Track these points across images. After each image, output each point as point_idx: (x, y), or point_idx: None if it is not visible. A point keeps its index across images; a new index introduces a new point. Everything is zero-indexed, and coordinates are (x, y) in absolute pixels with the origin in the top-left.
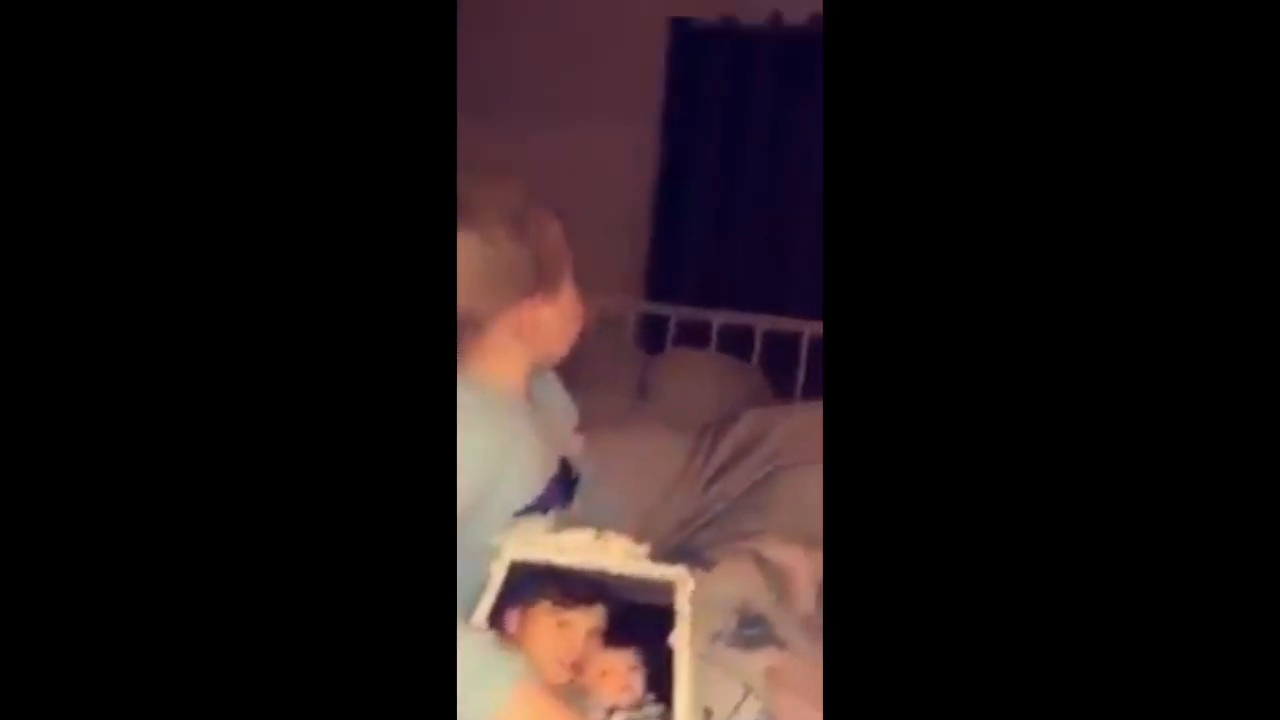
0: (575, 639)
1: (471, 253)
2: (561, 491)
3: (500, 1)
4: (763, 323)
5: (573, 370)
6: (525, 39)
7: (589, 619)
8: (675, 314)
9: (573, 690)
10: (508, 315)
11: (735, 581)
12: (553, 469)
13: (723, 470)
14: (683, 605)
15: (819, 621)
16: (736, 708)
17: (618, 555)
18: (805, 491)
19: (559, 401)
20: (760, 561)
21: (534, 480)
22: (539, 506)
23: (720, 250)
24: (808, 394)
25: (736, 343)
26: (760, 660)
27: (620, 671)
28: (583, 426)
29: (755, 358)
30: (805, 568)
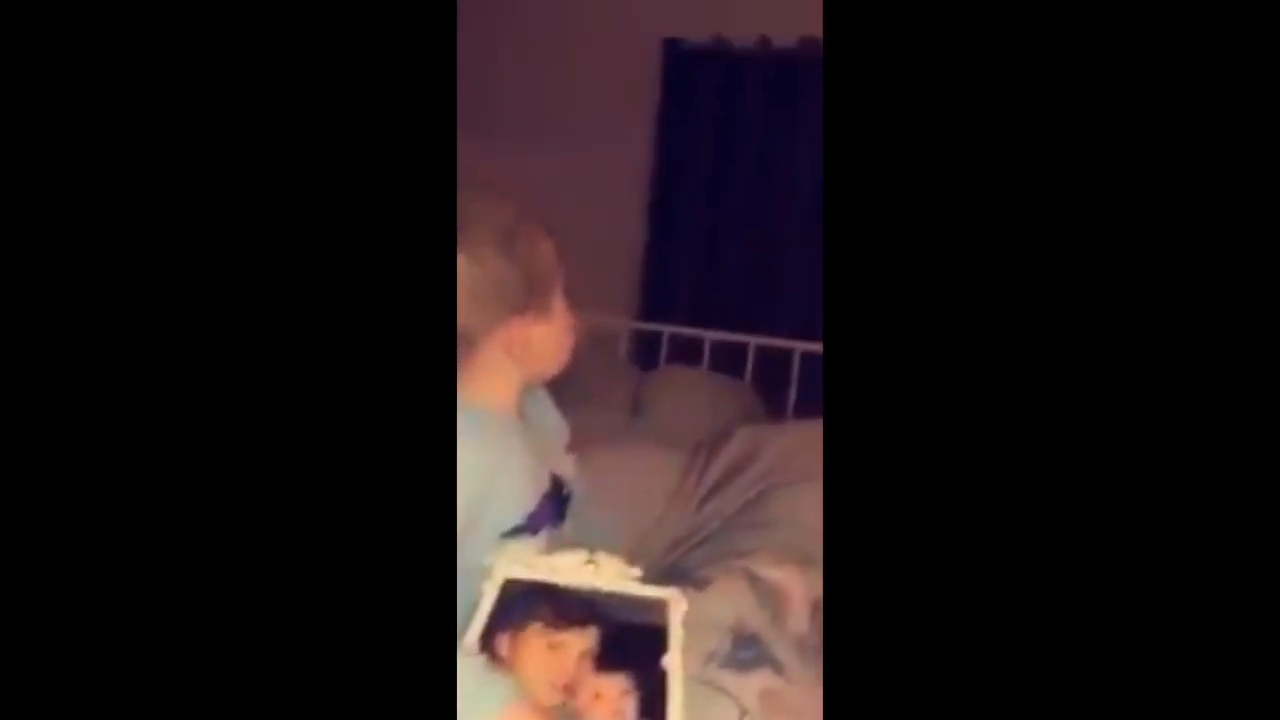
0: (567, 661)
1: (462, 271)
2: (553, 510)
3: (497, 21)
4: (755, 340)
5: (565, 387)
6: (519, 58)
7: (581, 641)
8: (668, 331)
9: (565, 714)
10: (499, 333)
11: (729, 601)
12: (544, 487)
13: (716, 488)
14: (675, 627)
15: (814, 642)
16: None
17: (610, 577)
18: (799, 510)
19: (551, 419)
20: (754, 581)
21: (525, 498)
22: (529, 526)
23: (712, 268)
24: (800, 412)
25: (729, 360)
26: (755, 682)
27: (613, 695)
28: (575, 444)
29: (748, 375)
30: (800, 587)
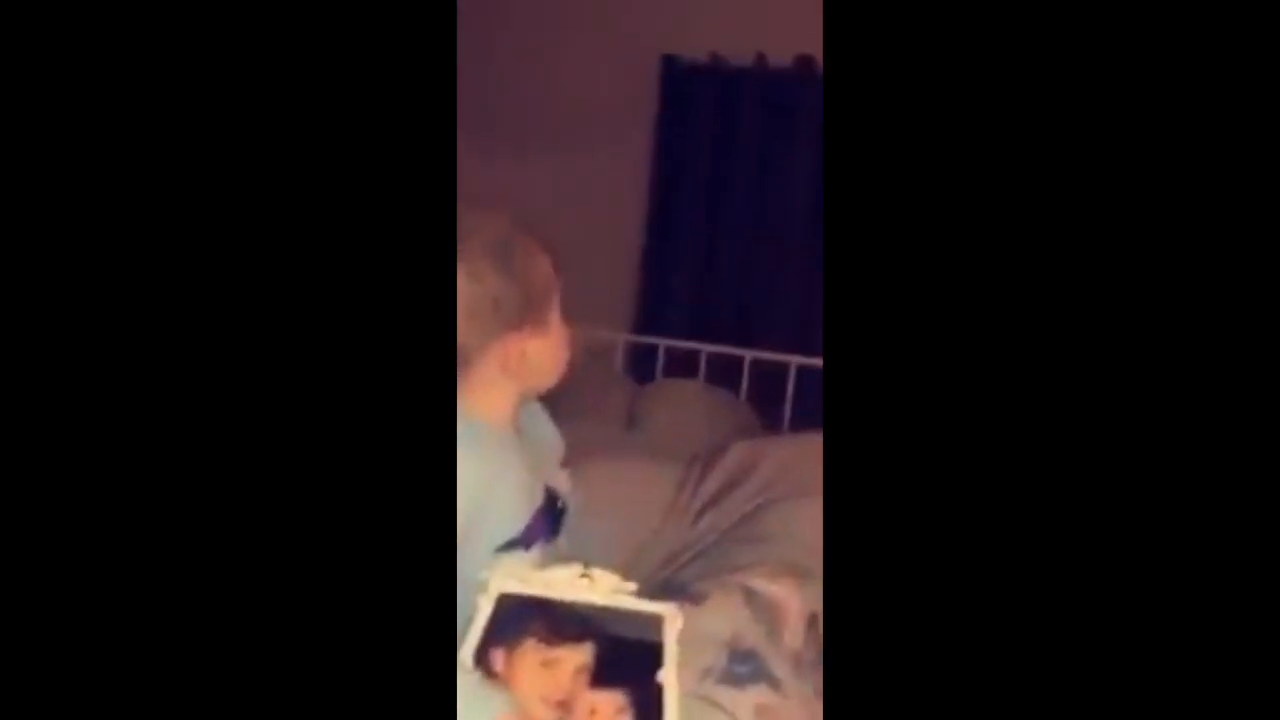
0: (562, 678)
1: (459, 286)
2: (548, 524)
3: (496, 35)
4: (751, 354)
5: (560, 400)
6: (518, 74)
7: (576, 657)
8: (664, 344)
9: None
10: (495, 348)
11: (725, 616)
12: (539, 501)
13: (712, 502)
14: (671, 642)
15: (810, 657)
16: None
17: (605, 591)
18: (796, 524)
19: (546, 433)
20: (750, 595)
21: (520, 512)
22: (524, 540)
23: (708, 282)
24: (796, 425)
25: (725, 374)
26: (751, 697)
27: (608, 712)
28: (571, 457)
29: (744, 389)
30: (796, 602)
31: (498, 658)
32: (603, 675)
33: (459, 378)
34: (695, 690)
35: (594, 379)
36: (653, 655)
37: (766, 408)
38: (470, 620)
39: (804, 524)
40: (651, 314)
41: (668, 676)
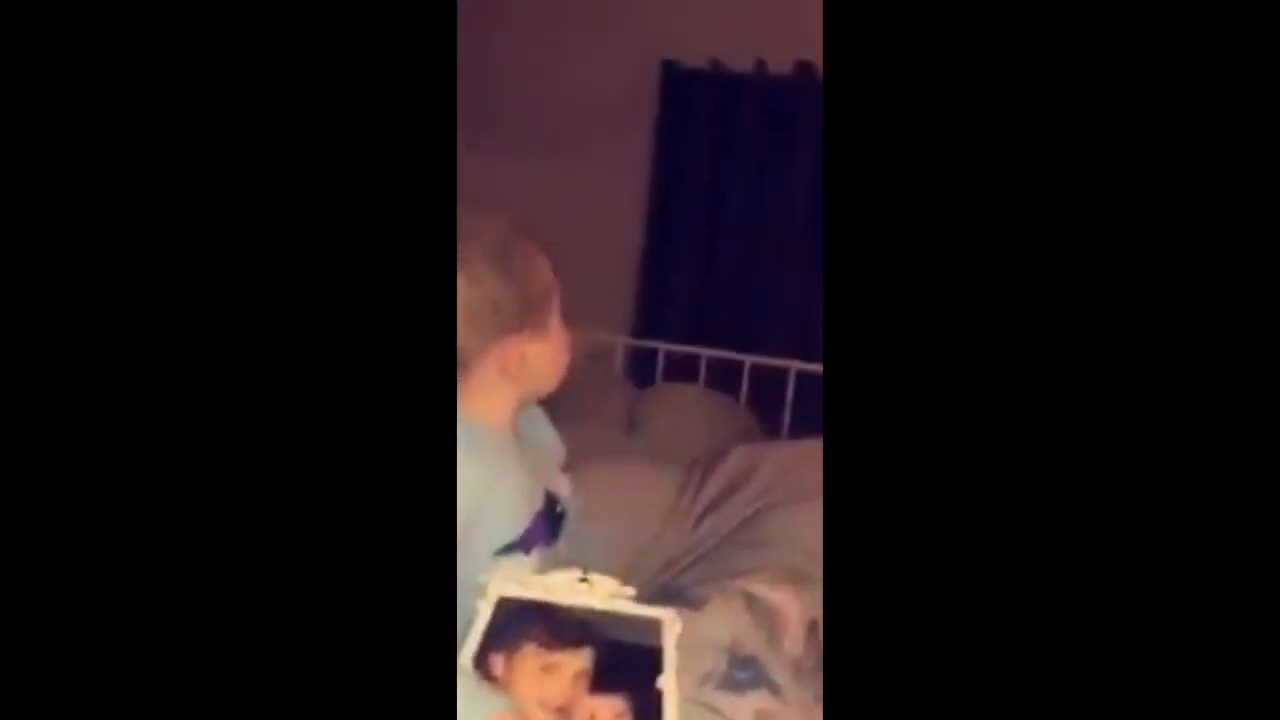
0: (562, 683)
1: (459, 289)
2: (547, 528)
3: (495, 39)
4: (751, 358)
5: (560, 404)
6: (518, 78)
7: (576, 662)
8: (664, 348)
9: None
10: (494, 351)
11: (725, 621)
12: (538, 505)
13: (712, 507)
14: (670, 648)
15: (810, 663)
16: None
17: (604, 596)
18: (796, 529)
19: (546, 437)
20: (750, 601)
21: (519, 516)
22: (522, 544)
23: (708, 286)
24: (795, 431)
25: (725, 378)
26: (751, 703)
27: (608, 717)
28: (570, 461)
29: (743, 393)
30: (795, 607)
31: (497, 662)
32: (602, 680)
33: (459, 381)
34: (695, 696)
35: (594, 382)
36: (652, 660)
37: (766, 412)
38: (470, 624)
39: (804, 529)
40: (651, 318)
41: (667, 682)
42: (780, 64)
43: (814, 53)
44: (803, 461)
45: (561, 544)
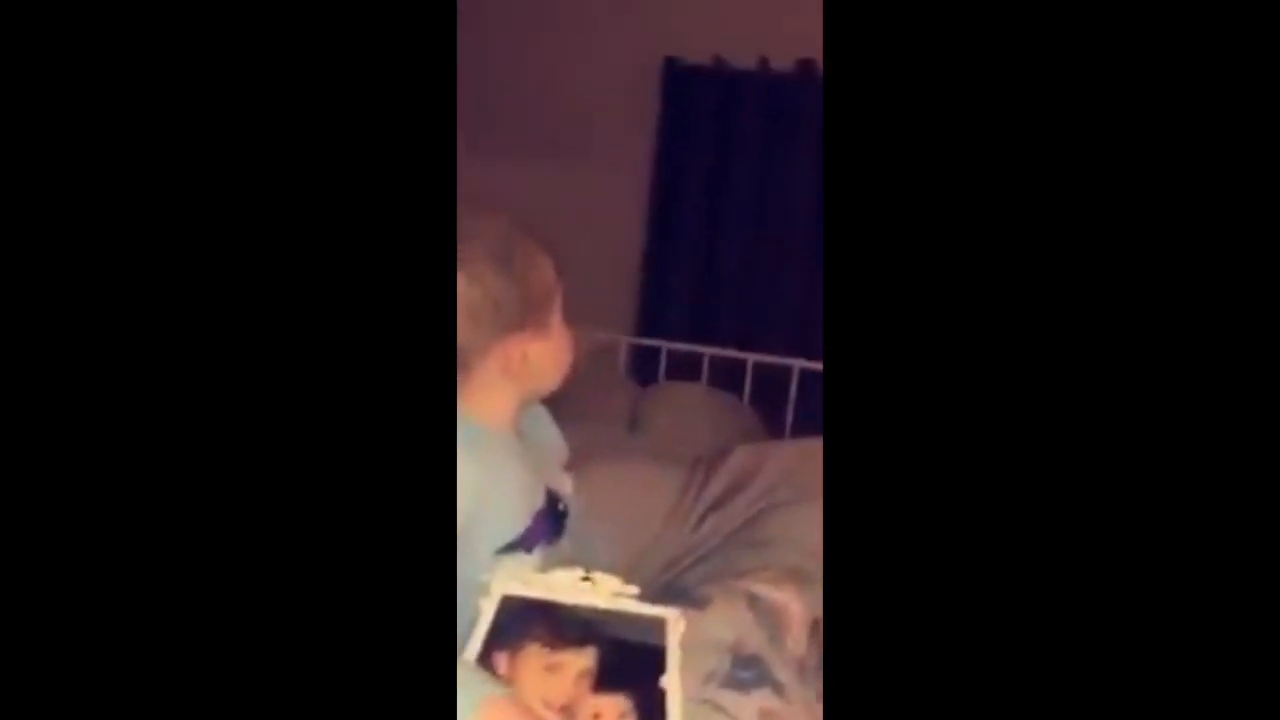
0: (565, 682)
1: (460, 289)
2: (549, 526)
3: (495, 38)
4: (754, 357)
5: (562, 402)
6: (519, 75)
7: (580, 661)
8: (666, 347)
9: None
10: (496, 351)
11: (728, 621)
12: (540, 503)
13: (715, 506)
14: (673, 646)
15: (813, 663)
16: None
17: (606, 595)
18: (799, 529)
19: (549, 435)
20: (753, 600)
21: (521, 515)
22: (524, 543)
23: (711, 285)
24: (799, 430)
25: (728, 377)
26: (755, 702)
27: (611, 716)
28: (573, 460)
29: (746, 392)
30: (799, 607)
31: (501, 660)
32: (605, 679)
33: (460, 380)
34: (699, 695)
35: (596, 382)
36: (655, 659)
37: (769, 411)
38: (473, 622)
39: (807, 529)
40: (654, 316)
41: (670, 681)
42: (783, 62)
43: (816, 50)
44: (806, 461)
45: (564, 543)
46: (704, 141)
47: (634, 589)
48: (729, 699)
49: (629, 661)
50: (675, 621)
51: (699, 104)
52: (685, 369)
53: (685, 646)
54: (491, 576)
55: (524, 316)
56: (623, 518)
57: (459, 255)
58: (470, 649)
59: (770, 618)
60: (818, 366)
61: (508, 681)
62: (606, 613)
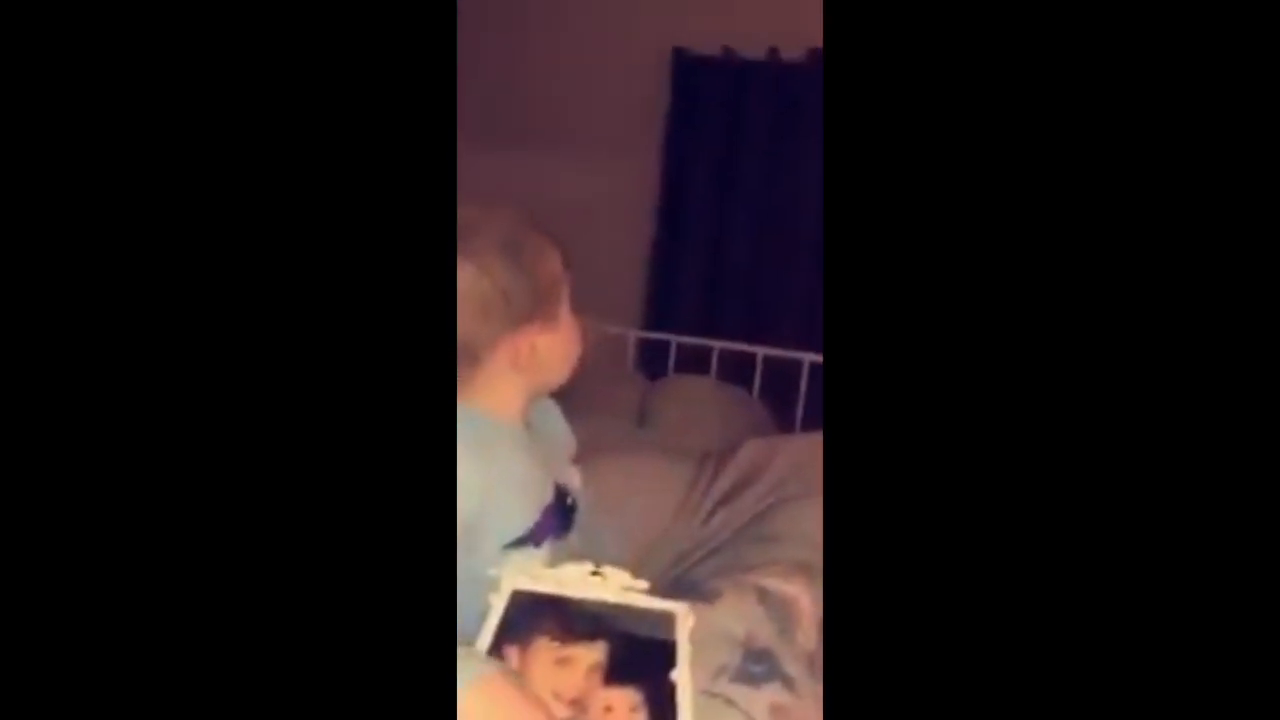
0: (576, 675)
1: (469, 281)
2: (559, 520)
3: (499, 29)
4: (764, 350)
5: (571, 396)
6: (524, 67)
7: (590, 654)
8: (675, 340)
9: None
10: (505, 344)
11: (738, 614)
12: (548, 497)
13: (724, 500)
14: (683, 640)
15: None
16: None
17: (616, 589)
18: (809, 523)
19: (558, 429)
20: (764, 595)
21: (530, 509)
22: (532, 537)
23: (720, 278)
24: (808, 424)
25: (737, 370)
26: (766, 696)
27: (623, 709)
28: (581, 454)
29: (756, 386)
30: (809, 601)
31: (512, 654)
32: (616, 673)
33: (469, 373)
34: (710, 688)
35: (604, 375)
36: (666, 653)
37: (779, 405)
38: (484, 617)
39: (816, 523)
40: (662, 310)
41: (681, 674)
42: (793, 51)
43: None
44: (816, 455)
45: (573, 537)
46: (713, 132)
47: (643, 583)
48: (740, 693)
49: (639, 655)
50: (685, 616)
51: (708, 94)
52: (694, 362)
53: (696, 640)
54: (501, 571)
55: (533, 309)
56: (632, 512)
57: (468, 247)
58: (481, 643)
59: (781, 612)
60: None
61: (520, 675)
62: (616, 607)
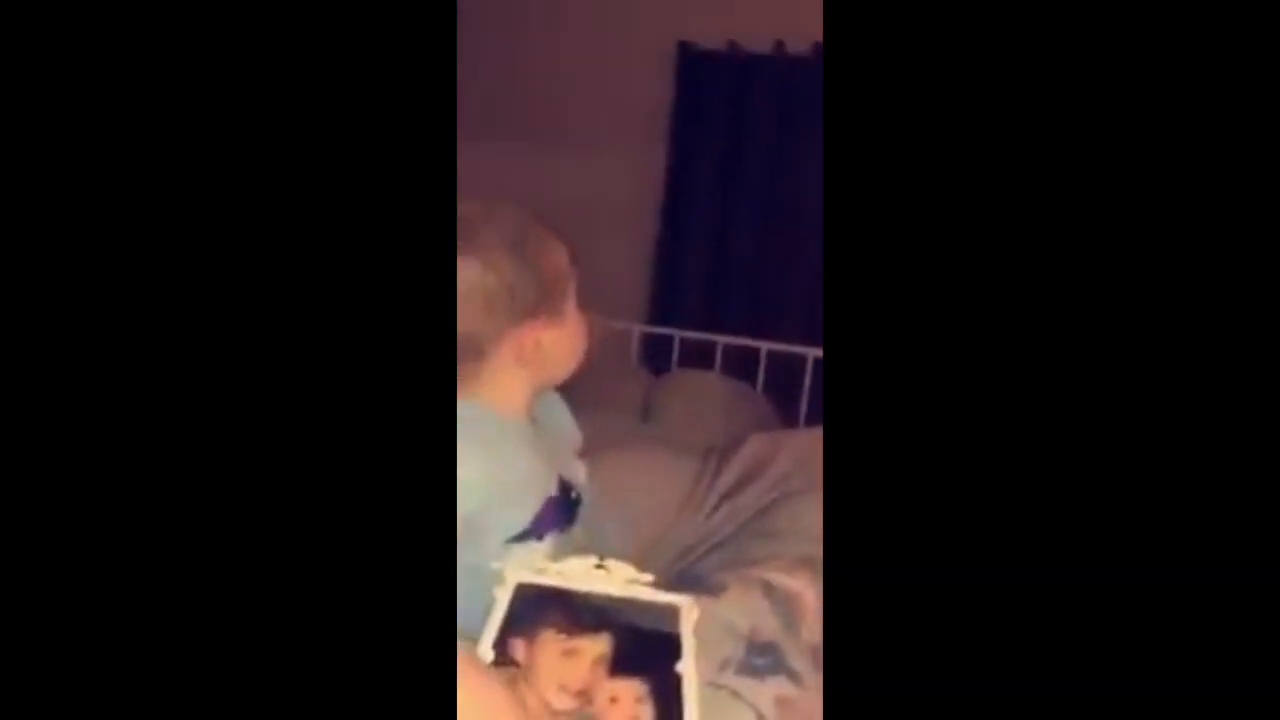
0: (582, 667)
1: (472, 276)
2: (563, 514)
3: (501, 23)
4: (768, 345)
5: (575, 390)
6: (527, 62)
7: (595, 647)
8: (679, 335)
9: (581, 718)
10: (510, 339)
11: (743, 608)
12: (552, 491)
13: (729, 495)
14: (688, 634)
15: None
16: None
17: (620, 583)
18: (812, 518)
19: (563, 423)
20: (769, 588)
21: (533, 503)
22: (535, 531)
23: (724, 272)
24: (812, 418)
25: (741, 365)
26: (771, 689)
27: (628, 701)
28: (586, 448)
29: (760, 380)
30: (813, 595)
31: (518, 647)
32: (621, 665)
33: (474, 368)
34: (715, 681)
35: (609, 370)
36: (670, 646)
37: (783, 400)
38: (489, 611)
39: (820, 518)
40: (667, 304)
41: (686, 667)
42: (799, 45)
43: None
44: (819, 450)
45: (577, 531)
46: (718, 127)
47: (648, 577)
48: (745, 685)
49: (644, 648)
50: (689, 609)
51: (713, 89)
52: (698, 357)
53: (700, 633)
54: (505, 565)
55: (538, 303)
56: (636, 506)
57: (474, 243)
58: (486, 636)
59: (785, 606)
60: None
61: (526, 668)
62: (621, 600)
